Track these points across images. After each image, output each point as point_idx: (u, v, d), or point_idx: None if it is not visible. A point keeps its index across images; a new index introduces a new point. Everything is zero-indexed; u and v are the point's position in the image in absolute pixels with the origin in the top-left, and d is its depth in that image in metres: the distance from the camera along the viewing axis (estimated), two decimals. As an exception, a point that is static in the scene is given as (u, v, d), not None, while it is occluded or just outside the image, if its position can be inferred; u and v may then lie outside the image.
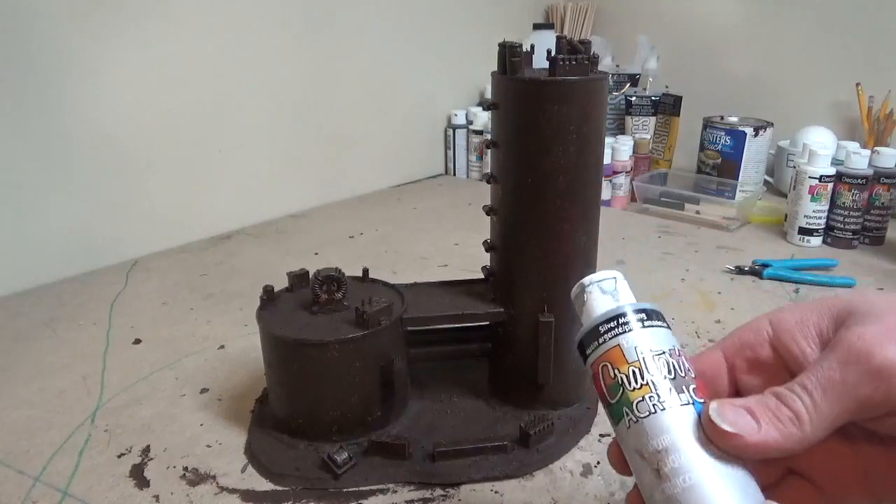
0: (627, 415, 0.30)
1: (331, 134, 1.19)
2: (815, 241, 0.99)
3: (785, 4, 1.31)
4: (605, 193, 1.19)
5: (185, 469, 0.51)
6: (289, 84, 1.10)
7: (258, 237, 1.03)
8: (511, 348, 0.56)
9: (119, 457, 0.53)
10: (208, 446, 0.54)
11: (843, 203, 0.96)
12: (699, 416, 0.29)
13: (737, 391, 0.33)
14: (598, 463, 0.51)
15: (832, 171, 0.96)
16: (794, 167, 1.01)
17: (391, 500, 0.48)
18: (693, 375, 0.31)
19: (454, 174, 1.41)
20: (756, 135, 1.18)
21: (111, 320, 0.76)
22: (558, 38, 0.50)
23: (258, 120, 1.07)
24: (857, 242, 0.98)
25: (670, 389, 0.30)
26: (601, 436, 0.54)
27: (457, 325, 0.57)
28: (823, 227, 0.98)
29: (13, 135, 0.81)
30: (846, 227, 0.97)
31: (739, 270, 0.88)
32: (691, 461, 0.28)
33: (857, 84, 1.20)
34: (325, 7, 1.11)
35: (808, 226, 0.98)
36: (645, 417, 0.30)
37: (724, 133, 1.20)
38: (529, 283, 0.53)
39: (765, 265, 0.87)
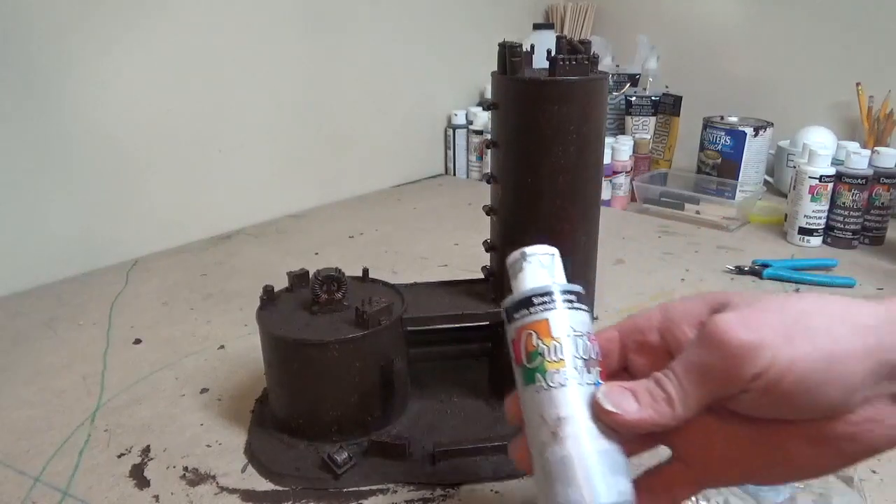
0: (539, 381, 0.34)
1: (331, 134, 1.19)
2: (815, 241, 0.99)
3: (785, 4, 1.31)
4: (605, 193, 1.19)
5: (185, 469, 0.51)
6: (289, 84, 1.10)
7: (258, 237, 1.03)
8: (511, 348, 0.56)
9: (119, 457, 0.53)
10: (208, 446, 0.54)
11: (843, 203, 0.96)
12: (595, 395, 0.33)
13: (626, 368, 0.37)
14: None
15: (832, 171, 0.96)
16: (794, 167, 1.01)
17: (391, 500, 0.48)
18: (599, 359, 0.35)
19: (454, 174, 1.41)
20: (756, 135, 1.18)
21: (111, 320, 0.76)
22: (558, 38, 0.50)
23: (258, 120, 1.07)
24: (857, 242, 0.98)
25: (580, 368, 0.34)
26: (601, 436, 0.54)
27: (457, 325, 0.57)
28: (823, 227, 0.98)
29: (13, 135, 0.81)
30: (846, 227, 0.97)
31: (739, 270, 0.88)
32: (583, 432, 0.33)
33: (857, 84, 1.20)
34: (325, 7, 1.11)
35: (808, 226, 0.98)
36: (556, 388, 0.34)
37: (724, 133, 1.20)
38: (529, 283, 0.53)
39: (765, 265, 0.87)
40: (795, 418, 0.32)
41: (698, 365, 0.32)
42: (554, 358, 0.34)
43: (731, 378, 0.31)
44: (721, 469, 0.34)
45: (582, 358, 0.34)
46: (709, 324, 0.32)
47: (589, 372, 0.34)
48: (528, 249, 0.37)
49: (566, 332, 0.34)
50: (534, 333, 0.35)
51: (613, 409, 0.32)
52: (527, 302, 0.36)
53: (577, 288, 0.36)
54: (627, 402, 0.32)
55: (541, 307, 0.35)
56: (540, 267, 0.37)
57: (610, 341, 0.37)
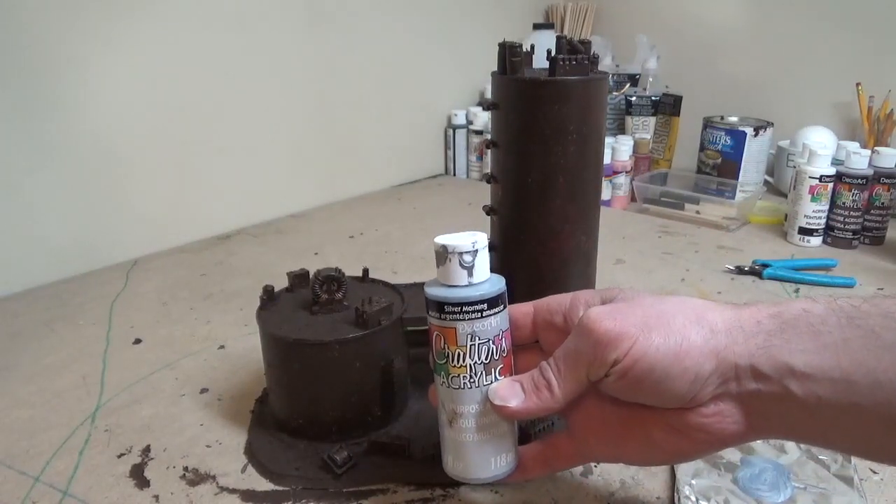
0: (443, 378, 0.40)
1: (331, 134, 1.19)
2: (815, 241, 0.99)
3: (785, 5, 1.31)
4: (605, 193, 1.19)
5: (185, 469, 0.51)
6: (289, 84, 1.10)
7: (258, 237, 1.03)
8: (511, 348, 0.56)
9: (119, 457, 0.53)
10: (208, 446, 0.54)
11: (843, 203, 0.96)
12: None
13: (536, 340, 0.43)
14: (598, 463, 0.51)
15: (832, 171, 0.96)
16: (794, 167, 1.01)
17: (391, 500, 0.48)
18: (505, 355, 0.40)
19: (454, 174, 1.41)
20: (756, 135, 1.18)
21: (111, 320, 0.76)
22: (558, 38, 0.50)
23: (258, 120, 1.07)
24: (857, 242, 0.98)
25: (482, 372, 0.40)
26: (601, 436, 0.54)
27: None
28: (823, 227, 0.98)
29: (13, 135, 0.81)
30: (846, 227, 0.97)
31: (739, 270, 0.88)
32: (471, 425, 0.40)
33: (858, 84, 1.20)
34: (325, 7, 1.11)
35: (808, 226, 0.98)
36: (455, 389, 0.40)
37: (724, 133, 1.20)
38: (529, 283, 0.53)
39: (765, 265, 0.87)
40: (651, 404, 0.36)
41: (572, 351, 0.37)
42: (456, 364, 0.39)
43: (597, 362, 0.36)
44: (598, 445, 0.40)
45: (482, 363, 0.39)
46: (583, 316, 0.37)
47: (489, 373, 0.40)
48: (451, 243, 0.40)
49: (471, 342, 0.39)
50: (442, 338, 0.40)
51: (501, 403, 0.39)
52: (438, 307, 0.39)
53: (494, 291, 0.39)
54: (514, 395, 0.39)
55: (449, 316, 0.39)
56: (458, 267, 0.39)
57: (525, 315, 0.42)
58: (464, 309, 0.39)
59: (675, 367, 0.34)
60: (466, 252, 0.39)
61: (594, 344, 0.36)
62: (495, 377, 0.40)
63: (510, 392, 0.39)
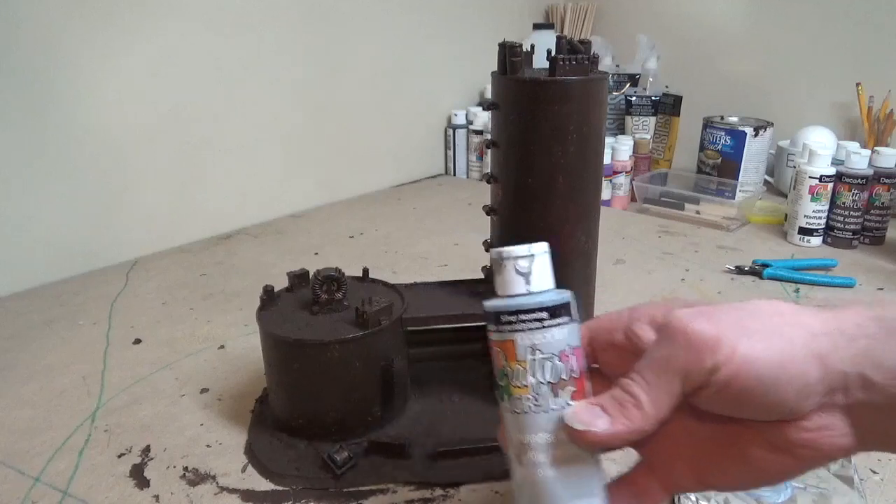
0: (506, 402, 0.34)
1: (331, 134, 1.19)
2: (815, 241, 0.98)
3: (785, 4, 1.31)
4: (605, 193, 1.19)
5: (185, 469, 0.51)
6: (289, 84, 1.10)
7: (258, 237, 1.03)
8: (511, 348, 0.56)
9: (119, 457, 0.53)
10: (208, 446, 0.54)
11: (843, 203, 0.96)
12: (562, 419, 0.33)
13: (597, 364, 0.37)
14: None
15: (832, 171, 0.96)
16: (794, 167, 1.01)
17: (391, 500, 0.48)
18: (577, 376, 0.34)
19: (454, 174, 1.41)
20: (756, 135, 1.18)
21: (111, 320, 0.76)
22: (558, 38, 0.50)
23: (258, 120, 1.07)
24: (857, 242, 0.98)
25: (548, 394, 0.33)
26: (601, 436, 0.54)
27: (457, 325, 0.57)
28: (823, 227, 0.98)
29: (13, 135, 0.81)
30: (846, 227, 0.97)
31: (739, 270, 0.88)
32: (543, 459, 0.33)
33: (858, 84, 1.20)
34: (325, 7, 1.11)
35: (808, 226, 0.98)
36: (519, 413, 0.33)
37: (724, 133, 1.20)
38: (529, 283, 0.53)
39: (765, 265, 0.87)
40: (752, 417, 0.32)
41: (662, 359, 0.32)
42: (517, 383, 0.34)
43: (693, 369, 0.31)
44: (686, 473, 0.35)
45: (548, 382, 0.33)
46: (670, 319, 0.32)
47: (556, 395, 0.33)
48: (505, 252, 0.35)
49: (532, 356, 0.33)
50: (501, 353, 0.34)
51: (584, 429, 0.32)
52: (495, 318, 0.34)
53: (555, 300, 0.34)
54: (597, 418, 0.32)
55: (507, 327, 0.34)
56: (515, 275, 0.35)
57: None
58: (521, 317, 0.34)
59: (783, 375, 0.30)
60: (522, 257, 0.35)
61: (688, 348, 0.31)
62: (566, 402, 0.33)
63: (590, 415, 0.32)
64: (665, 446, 0.35)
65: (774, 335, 0.30)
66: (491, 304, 0.35)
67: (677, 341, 0.31)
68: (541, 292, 0.35)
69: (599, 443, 0.32)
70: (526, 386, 0.34)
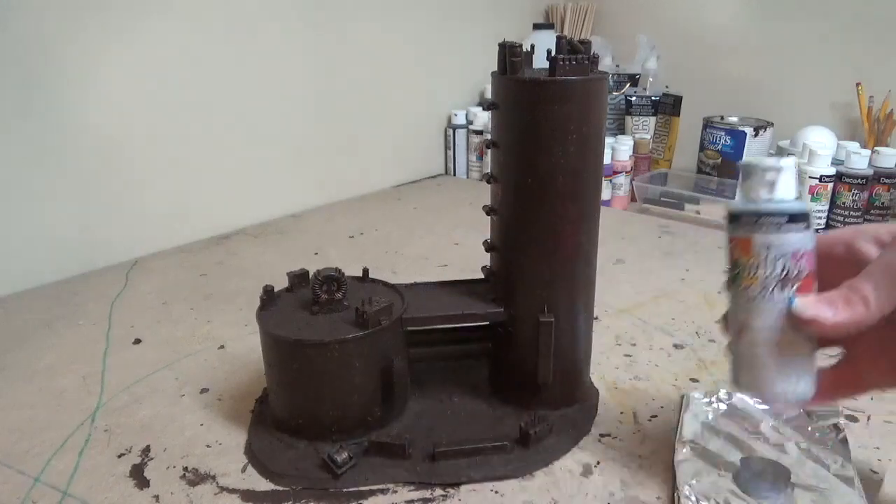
0: (736, 288, 0.41)
1: (331, 134, 1.19)
2: (815, 241, 0.98)
3: (785, 5, 1.31)
4: (605, 193, 1.19)
5: (185, 469, 0.51)
6: (289, 84, 1.10)
7: (258, 237, 1.03)
8: (511, 348, 0.56)
9: (119, 457, 0.53)
10: (208, 446, 0.54)
11: (843, 203, 0.96)
12: (788, 309, 0.39)
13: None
14: (598, 463, 0.51)
15: (832, 171, 0.96)
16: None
17: (391, 500, 0.48)
18: (804, 275, 0.39)
19: (454, 174, 1.41)
20: (756, 135, 1.18)
21: (111, 320, 0.76)
22: (558, 38, 0.50)
23: (258, 120, 1.07)
24: (857, 242, 0.98)
25: (772, 287, 0.39)
26: (601, 436, 0.55)
27: (457, 325, 0.57)
28: (823, 226, 0.98)
29: (13, 135, 0.81)
30: (846, 227, 0.97)
31: (739, 270, 0.88)
32: (765, 341, 0.40)
33: (858, 84, 1.20)
34: (325, 7, 1.11)
35: (808, 226, 0.98)
36: (745, 300, 0.40)
37: (724, 133, 1.20)
38: (529, 283, 0.53)
39: (765, 265, 0.87)
40: None
41: (890, 265, 0.37)
42: (748, 275, 0.40)
43: None
44: (886, 370, 0.41)
45: (777, 277, 0.39)
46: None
47: (782, 290, 0.39)
48: (759, 160, 0.40)
49: (766, 253, 0.39)
50: (738, 248, 0.40)
51: (812, 317, 0.38)
52: (736, 217, 0.40)
53: (794, 208, 0.39)
54: (825, 309, 0.38)
55: (746, 226, 0.40)
56: (759, 183, 0.40)
57: None
58: (761, 219, 0.39)
59: None
60: (770, 169, 0.40)
61: None
62: (790, 295, 0.39)
63: (818, 306, 0.38)
64: (873, 345, 0.40)
65: None
66: (735, 205, 0.41)
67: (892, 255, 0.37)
68: (782, 201, 0.40)
69: (823, 329, 0.38)
70: (756, 278, 0.40)
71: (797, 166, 0.41)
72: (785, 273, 0.39)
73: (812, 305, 0.38)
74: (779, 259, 0.39)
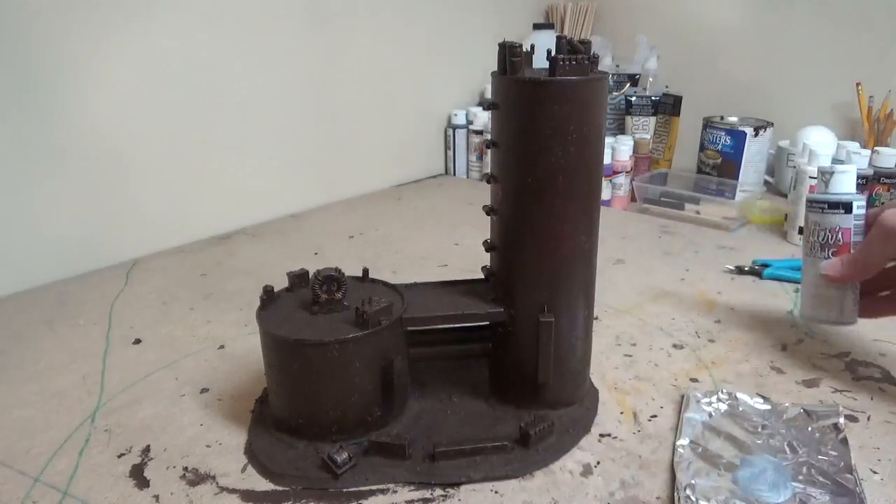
0: (804, 246, 0.64)
1: (331, 134, 1.19)
2: (816, 241, 0.99)
3: (785, 4, 1.31)
4: (605, 193, 1.19)
5: (185, 469, 0.51)
6: (289, 84, 1.10)
7: (258, 237, 1.03)
8: (511, 348, 0.56)
9: (119, 457, 0.53)
10: (208, 446, 0.54)
11: (843, 203, 0.96)
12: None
13: None
14: (598, 463, 0.51)
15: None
16: (794, 167, 1.01)
17: (391, 500, 0.48)
18: (840, 244, 0.61)
19: (454, 174, 1.41)
20: (756, 135, 1.18)
21: (111, 320, 0.76)
22: (558, 38, 0.50)
23: (258, 120, 1.07)
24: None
25: (816, 249, 0.62)
26: (601, 436, 0.54)
27: (457, 325, 0.57)
28: (823, 227, 0.98)
29: (13, 135, 0.81)
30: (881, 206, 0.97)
31: (739, 270, 0.88)
32: (807, 280, 0.64)
33: (858, 84, 1.20)
34: (325, 7, 1.12)
35: (808, 226, 0.98)
36: (803, 254, 0.65)
37: (724, 133, 1.20)
38: (529, 283, 0.53)
39: (765, 265, 0.87)
40: None
41: (871, 237, 0.58)
42: (806, 239, 0.64)
43: (886, 245, 0.56)
44: (887, 301, 0.62)
45: (819, 242, 0.62)
46: (881, 214, 0.57)
47: (823, 250, 0.61)
48: (823, 166, 0.64)
49: (813, 227, 0.62)
50: (806, 222, 0.64)
51: (825, 272, 0.61)
52: (807, 202, 0.64)
53: (834, 199, 0.61)
54: (833, 268, 0.60)
55: (808, 208, 0.63)
56: (821, 181, 0.63)
57: None
58: (813, 205, 0.62)
59: None
60: (825, 172, 0.62)
61: (881, 232, 0.56)
62: (828, 255, 0.61)
63: (831, 265, 0.60)
64: (879, 283, 0.61)
65: None
66: (809, 194, 0.67)
67: (877, 227, 0.57)
68: (831, 193, 0.61)
69: (833, 279, 0.60)
70: (808, 241, 0.63)
71: (854, 171, 0.62)
72: (825, 241, 0.61)
73: (828, 265, 0.60)
74: (820, 231, 0.61)
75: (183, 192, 1.00)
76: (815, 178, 0.96)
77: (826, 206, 0.61)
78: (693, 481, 0.47)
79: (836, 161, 0.99)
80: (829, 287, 0.61)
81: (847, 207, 0.60)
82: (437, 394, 0.59)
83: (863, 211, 0.61)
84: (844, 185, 0.61)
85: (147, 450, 0.53)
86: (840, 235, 0.60)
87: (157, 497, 0.48)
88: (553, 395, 0.56)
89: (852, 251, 0.60)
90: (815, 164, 0.96)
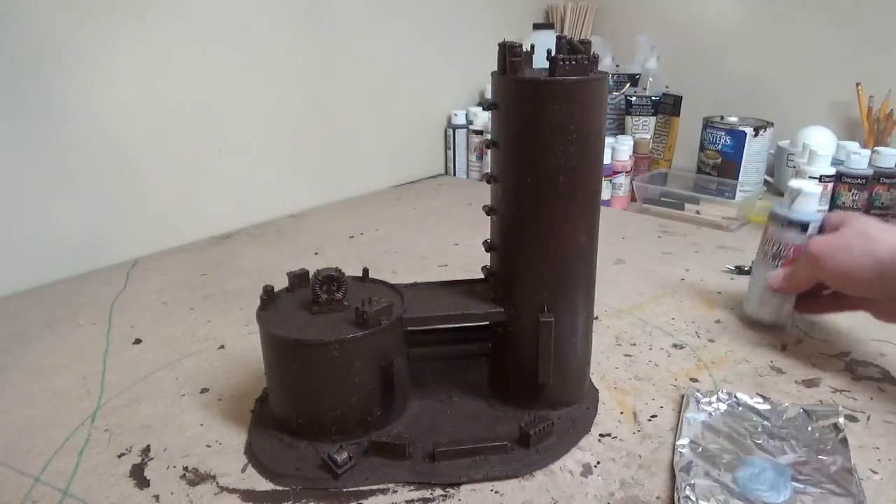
0: (760, 254, 0.70)
1: (331, 134, 1.19)
2: (815, 241, 0.99)
3: (785, 4, 1.31)
4: (605, 193, 1.19)
5: (185, 469, 0.51)
6: (289, 84, 1.10)
7: (258, 237, 1.03)
8: (511, 348, 0.56)
9: (119, 457, 0.53)
10: (208, 446, 0.54)
11: (843, 203, 0.96)
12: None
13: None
14: (598, 463, 0.51)
15: (832, 171, 0.96)
16: (794, 167, 1.01)
17: (391, 500, 0.48)
18: (791, 257, 0.66)
19: (454, 174, 1.41)
20: (756, 135, 1.18)
21: (111, 320, 0.76)
22: (558, 38, 0.50)
23: (258, 120, 1.07)
24: (857, 242, 0.99)
25: (768, 259, 0.69)
26: (601, 436, 0.55)
27: (457, 325, 0.57)
28: (823, 226, 0.98)
29: (13, 135, 0.81)
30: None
31: (739, 270, 0.88)
32: (756, 285, 0.71)
33: (858, 84, 1.20)
34: (325, 7, 1.12)
35: (808, 226, 0.98)
36: (756, 261, 0.71)
37: (724, 133, 1.20)
38: (529, 283, 0.53)
39: (765, 265, 0.87)
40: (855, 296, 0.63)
41: (799, 261, 0.65)
42: (764, 248, 0.69)
43: (812, 268, 0.63)
44: (826, 300, 0.68)
45: (773, 252, 0.68)
46: (811, 241, 0.63)
47: (774, 260, 0.68)
48: (792, 184, 0.68)
49: (771, 238, 0.68)
50: (765, 230, 0.69)
51: (769, 282, 0.68)
52: (771, 213, 0.69)
53: (791, 218, 0.66)
54: (777, 279, 0.67)
55: (769, 219, 0.69)
56: (787, 197, 0.67)
57: None
58: (773, 220, 0.68)
59: (849, 279, 0.60)
60: (794, 190, 0.66)
61: (807, 259, 0.63)
62: (777, 265, 0.67)
63: (776, 276, 0.67)
64: (819, 288, 0.66)
65: (853, 254, 0.59)
66: (774, 206, 0.68)
67: (805, 253, 0.64)
68: (796, 212, 0.66)
69: (776, 290, 0.68)
70: (764, 249, 0.69)
71: (821, 192, 0.69)
72: (777, 252, 0.67)
73: (773, 276, 0.68)
74: (776, 243, 0.67)
75: (183, 193, 1.00)
76: (814, 178, 0.96)
77: (786, 222, 0.66)
78: (693, 481, 0.47)
79: (836, 162, 0.99)
80: (773, 293, 0.68)
81: (804, 227, 0.65)
82: (437, 394, 0.59)
83: (816, 231, 0.66)
84: (808, 205, 0.66)
85: (147, 450, 0.53)
86: (791, 251, 0.66)
87: (157, 497, 0.48)
88: (553, 395, 0.56)
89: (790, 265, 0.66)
90: (815, 164, 0.96)
